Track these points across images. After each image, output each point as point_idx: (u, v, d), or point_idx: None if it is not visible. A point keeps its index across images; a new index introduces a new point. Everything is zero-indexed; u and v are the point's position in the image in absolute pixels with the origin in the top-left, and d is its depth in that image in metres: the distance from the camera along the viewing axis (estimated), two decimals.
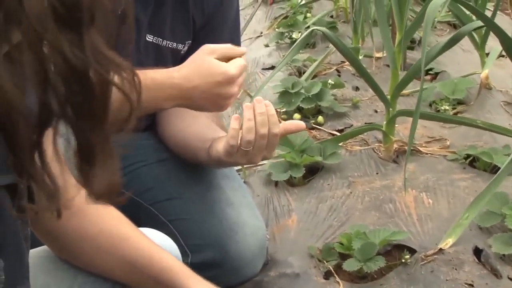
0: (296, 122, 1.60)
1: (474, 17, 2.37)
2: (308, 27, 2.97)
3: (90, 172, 0.98)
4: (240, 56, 1.66)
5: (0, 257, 0.98)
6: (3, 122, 0.90)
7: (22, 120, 0.90)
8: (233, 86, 1.61)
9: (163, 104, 1.69)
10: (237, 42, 1.91)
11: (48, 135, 0.96)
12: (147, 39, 1.79)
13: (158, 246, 1.37)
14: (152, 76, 1.60)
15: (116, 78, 0.95)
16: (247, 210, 1.83)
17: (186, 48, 1.84)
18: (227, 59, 1.63)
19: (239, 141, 1.52)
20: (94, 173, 0.99)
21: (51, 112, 0.92)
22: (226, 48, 1.67)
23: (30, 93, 0.90)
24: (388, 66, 2.42)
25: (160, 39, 1.80)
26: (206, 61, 1.62)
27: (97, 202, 1.05)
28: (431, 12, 2.02)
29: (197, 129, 1.76)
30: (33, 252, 1.24)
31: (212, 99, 1.63)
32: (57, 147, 0.99)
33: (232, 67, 1.57)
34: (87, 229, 1.33)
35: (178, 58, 1.83)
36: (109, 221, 1.35)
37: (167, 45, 1.82)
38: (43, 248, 1.35)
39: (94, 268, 1.35)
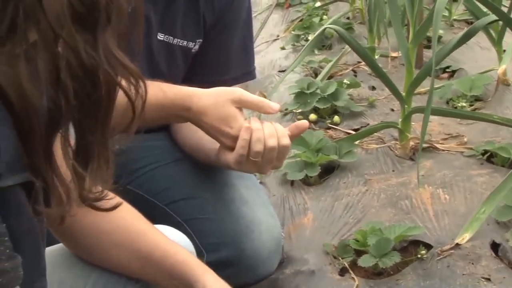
0: (299, 123, 1.58)
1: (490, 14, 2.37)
2: (324, 28, 2.97)
3: (83, 174, 0.99)
4: (267, 113, 1.66)
5: (18, 254, 0.98)
6: (20, 120, 0.91)
7: (37, 119, 0.92)
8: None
9: (174, 120, 1.74)
10: (249, 42, 1.94)
11: (57, 138, 0.98)
12: (158, 37, 1.78)
13: (173, 241, 1.38)
14: (171, 97, 1.61)
15: (123, 82, 0.97)
16: (262, 208, 1.82)
17: (197, 46, 1.84)
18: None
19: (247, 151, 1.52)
20: (87, 175, 1.00)
21: (60, 110, 0.93)
22: (255, 104, 1.65)
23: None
24: (403, 65, 2.41)
25: (171, 38, 1.80)
26: (227, 109, 1.60)
27: (83, 205, 1.06)
28: (440, 7, 2.03)
29: None
30: (49, 250, 1.25)
31: (217, 135, 1.62)
32: (67, 151, 1.01)
33: (244, 132, 1.55)
34: (103, 225, 1.34)
35: (189, 57, 1.84)
36: (125, 217, 1.36)
37: (178, 44, 1.81)
38: (59, 246, 1.36)
39: (110, 263, 1.36)
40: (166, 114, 1.64)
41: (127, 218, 1.36)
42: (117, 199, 1.16)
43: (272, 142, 1.52)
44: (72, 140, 0.99)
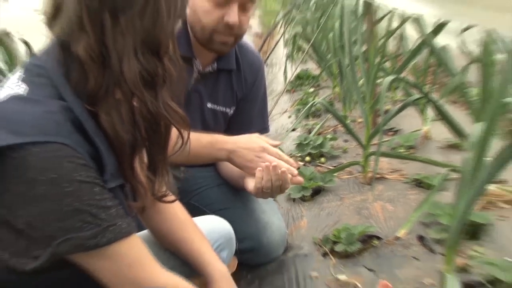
0: (297, 180, 1.52)
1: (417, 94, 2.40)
2: (314, 104, 3.02)
3: (153, 179, 1.02)
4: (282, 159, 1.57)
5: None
6: (114, 147, 0.95)
7: (124, 146, 0.95)
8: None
9: (215, 158, 1.69)
10: (265, 110, 1.93)
11: (137, 158, 1.01)
12: (208, 106, 1.78)
13: (201, 234, 1.31)
14: (216, 144, 1.61)
15: (175, 121, 1.00)
16: (274, 215, 1.81)
17: (232, 111, 1.83)
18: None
19: (262, 185, 1.50)
20: (155, 181, 1.03)
21: (137, 141, 0.97)
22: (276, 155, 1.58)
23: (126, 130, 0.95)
24: (364, 126, 2.44)
25: (216, 105, 1.79)
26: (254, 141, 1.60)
27: (157, 200, 1.08)
28: (384, 89, 2.06)
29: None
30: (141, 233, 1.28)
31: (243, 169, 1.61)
32: (142, 166, 1.04)
33: (258, 173, 1.50)
34: (162, 225, 1.29)
35: (227, 118, 1.83)
36: (178, 213, 1.30)
37: (220, 110, 1.81)
38: (145, 232, 1.33)
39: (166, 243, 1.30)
40: (208, 154, 1.63)
41: (179, 213, 1.31)
42: (174, 197, 1.18)
43: (277, 182, 1.49)
44: (145, 158, 1.05)
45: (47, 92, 0.91)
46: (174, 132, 1.10)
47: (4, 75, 2.90)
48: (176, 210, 1.29)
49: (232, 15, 1.55)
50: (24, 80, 0.92)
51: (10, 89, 0.90)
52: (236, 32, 1.61)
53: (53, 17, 0.94)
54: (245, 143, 1.60)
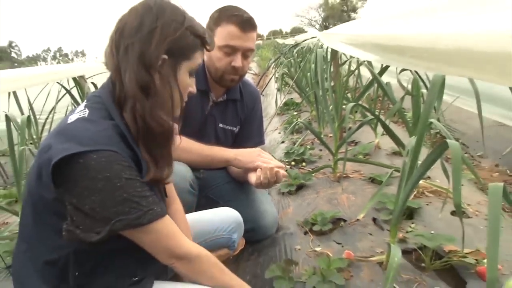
0: (284, 174, 1.53)
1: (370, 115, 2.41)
2: (297, 123, 3.01)
3: (158, 167, 0.99)
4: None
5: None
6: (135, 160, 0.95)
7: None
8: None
9: (224, 164, 1.69)
10: (261, 127, 1.89)
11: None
12: (219, 126, 1.77)
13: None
14: (222, 154, 1.63)
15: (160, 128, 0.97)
16: (269, 205, 1.81)
17: (237, 130, 1.82)
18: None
19: (261, 180, 1.51)
20: (159, 168, 0.99)
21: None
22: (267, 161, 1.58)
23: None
24: (333, 139, 2.44)
25: (225, 125, 1.79)
26: (254, 151, 1.63)
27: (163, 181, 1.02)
28: (347, 112, 2.08)
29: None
30: None
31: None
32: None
33: (258, 171, 1.52)
34: (177, 211, 1.23)
35: (234, 135, 1.82)
36: (179, 209, 1.25)
37: (229, 128, 1.80)
38: None
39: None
40: (219, 162, 1.64)
41: (179, 208, 1.25)
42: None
43: (272, 178, 1.51)
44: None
45: (101, 114, 0.95)
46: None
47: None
48: (179, 209, 1.26)
49: (238, 61, 1.60)
50: (86, 106, 0.97)
51: (77, 114, 0.95)
52: (240, 72, 1.64)
53: (106, 64, 1.00)
54: (246, 151, 1.63)
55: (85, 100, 1.01)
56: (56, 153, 0.86)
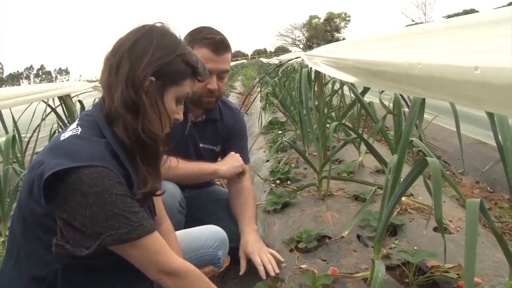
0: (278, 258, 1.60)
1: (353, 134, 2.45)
2: (282, 142, 3.04)
3: (148, 181, 1.02)
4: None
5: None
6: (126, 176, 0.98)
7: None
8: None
9: (209, 178, 1.76)
10: (245, 146, 1.90)
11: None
12: (200, 145, 1.79)
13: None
14: (208, 166, 1.67)
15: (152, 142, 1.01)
16: None
17: (218, 149, 1.84)
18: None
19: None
20: (148, 182, 1.02)
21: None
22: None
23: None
24: (318, 158, 2.47)
25: (206, 145, 1.80)
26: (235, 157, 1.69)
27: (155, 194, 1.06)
28: (331, 131, 2.12)
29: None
30: None
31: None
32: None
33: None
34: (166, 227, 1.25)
35: (215, 155, 1.84)
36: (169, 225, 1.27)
37: (209, 148, 1.81)
38: None
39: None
40: (203, 175, 1.68)
41: (169, 227, 1.28)
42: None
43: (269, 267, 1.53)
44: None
45: (94, 132, 0.98)
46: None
47: (65, 124, 2.95)
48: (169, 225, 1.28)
49: (213, 84, 1.61)
50: (79, 125, 1.00)
51: (70, 132, 0.98)
52: (216, 94, 1.66)
53: (100, 81, 1.04)
54: (226, 159, 1.70)
55: (78, 119, 1.04)
56: (49, 168, 0.88)
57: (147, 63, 0.97)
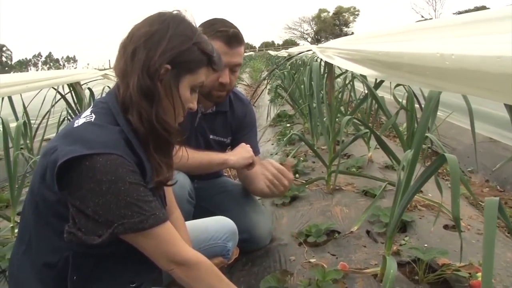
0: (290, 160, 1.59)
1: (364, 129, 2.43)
2: (291, 135, 3.04)
3: (160, 171, 1.01)
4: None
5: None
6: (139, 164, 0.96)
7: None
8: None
9: (221, 168, 1.74)
10: (254, 138, 1.88)
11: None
12: (210, 137, 1.77)
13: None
14: (218, 156, 1.65)
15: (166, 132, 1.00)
16: (263, 215, 1.81)
17: (228, 141, 1.82)
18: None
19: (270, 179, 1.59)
20: (161, 172, 1.02)
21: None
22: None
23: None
24: (327, 152, 2.46)
25: (216, 136, 1.78)
26: (245, 148, 1.67)
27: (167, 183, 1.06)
28: (342, 125, 2.10)
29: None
30: None
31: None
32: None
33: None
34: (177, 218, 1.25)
35: (225, 146, 1.83)
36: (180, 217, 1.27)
37: (219, 139, 1.80)
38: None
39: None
40: (222, 162, 1.65)
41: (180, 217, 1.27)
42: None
43: (279, 177, 1.58)
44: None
45: (107, 120, 0.97)
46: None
47: (74, 111, 2.96)
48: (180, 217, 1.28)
49: (225, 77, 1.59)
50: (92, 111, 0.98)
51: (84, 119, 0.97)
52: (227, 88, 1.64)
53: (114, 68, 1.03)
54: (236, 149, 1.68)
55: (91, 106, 1.02)
56: (62, 154, 0.87)
57: (163, 51, 0.96)
